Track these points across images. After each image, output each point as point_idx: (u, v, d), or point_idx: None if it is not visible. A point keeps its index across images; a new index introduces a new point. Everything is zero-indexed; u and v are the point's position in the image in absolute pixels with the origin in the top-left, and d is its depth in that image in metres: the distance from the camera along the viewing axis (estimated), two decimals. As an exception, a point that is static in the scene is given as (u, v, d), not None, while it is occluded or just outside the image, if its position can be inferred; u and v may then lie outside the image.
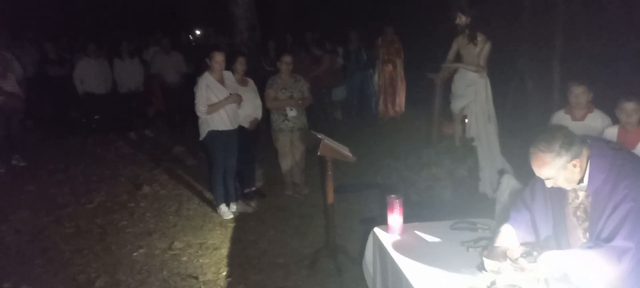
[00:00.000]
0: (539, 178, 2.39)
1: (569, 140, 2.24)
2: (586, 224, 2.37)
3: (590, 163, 2.28)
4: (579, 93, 4.28)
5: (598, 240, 2.24)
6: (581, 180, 2.31)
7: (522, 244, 2.54)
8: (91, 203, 6.14)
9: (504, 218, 2.70)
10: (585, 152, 2.28)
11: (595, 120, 4.29)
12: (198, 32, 15.48)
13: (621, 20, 7.51)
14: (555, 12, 7.87)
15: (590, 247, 2.24)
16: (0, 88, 7.03)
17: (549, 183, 2.36)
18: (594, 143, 2.33)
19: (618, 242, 2.15)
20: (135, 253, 4.85)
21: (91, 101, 9.00)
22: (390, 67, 9.45)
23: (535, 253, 2.38)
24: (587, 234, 2.36)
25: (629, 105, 3.85)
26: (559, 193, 2.44)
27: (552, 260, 2.28)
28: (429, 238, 3.04)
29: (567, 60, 7.85)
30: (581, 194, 2.37)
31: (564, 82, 7.76)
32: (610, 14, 7.61)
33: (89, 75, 8.88)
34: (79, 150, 8.47)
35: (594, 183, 2.28)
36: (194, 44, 13.73)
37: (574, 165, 2.26)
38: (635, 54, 7.19)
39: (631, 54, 7.29)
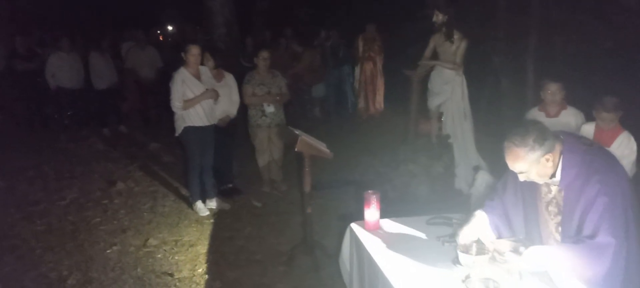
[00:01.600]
0: (512, 171, 2.42)
1: (543, 135, 2.27)
2: (559, 218, 2.41)
3: (562, 158, 2.32)
4: (554, 90, 4.35)
5: (580, 235, 2.26)
6: (554, 175, 2.34)
7: (509, 239, 2.56)
8: (63, 200, 6.02)
9: (477, 209, 2.74)
10: (558, 147, 2.32)
11: (569, 117, 4.37)
12: (170, 28, 15.32)
13: (595, 20, 7.66)
14: (530, 11, 7.98)
15: (575, 243, 2.26)
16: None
17: (521, 177, 2.39)
18: (566, 138, 2.37)
19: (601, 237, 2.18)
20: (108, 251, 4.77)
21: (63, 96, 8.82)
22: (370, 65, 9.46)
23: (522, 248, 2.40)
24: (560, 228, 2.40)
25: (607, 116, 3.91)
26: (532, 187, 2.48)
27: (536, 255, 2.30)
28: (405, 233, 3.05)
29: (541, 58, 7.97)
30: (554, 189, 2.41)
31: (537, 80, 7.89)
32: (584, 14, 7.74)
33: (61, 70, 8.70)
34: (51, 146, 8.30)
35: (566, 178, 2.32)
36: (169, 39, 13.58)
37: (547, 160, 2.29)
38: (608, 53, 7.34)
39: (604, 53, 7.44)
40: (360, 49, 9.46)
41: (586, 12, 7.69)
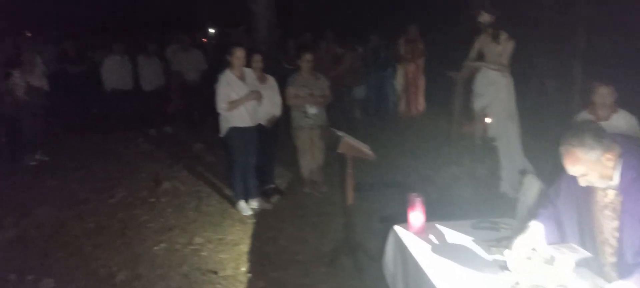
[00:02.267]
0: (565, 175, 2.35)
1: (599, 134, 2.20)
2: (615, 223, 2.32)
3: (621, 161, 2.24)
4: (605, 94, 4.21)
5: None
6: (611, 178, 2.26)
7: (562, 246, 2.48)
8: (112, 198, 6.21)
9: (530, 218, 2.67)
10: (616, 149, 2.24)
11: (620, 120, 4.23)
12: (211, 31, 15.59)
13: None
14: (576, 11, 7.76)
15: None
16: (27, 83, 7.16)
17: (583, 182, 2.30)
18: (623, 140, 2.28)
19: None
20: (155, 248, 4.90)
21: (115, 98, 9.13)
22: (412, 66, 9.39)
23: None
24: (616, 234, 2.32)
25: None
26: (587, 191, 2.40)
27: None
28: (451, 237, 3.02)
29: (588, 60, 7.73)
30: (611, 193, 2.32)
31: (584, 82, 7.66)
32: (632, 12, 7.47)
33: (115, 72, 9.03)
34: (100, 146, 8.58)
35: (624, 181, 2.24)
36: (213, 41, 13.81)
37: (608, 159, 2.20)
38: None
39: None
40: (402, 50, 9.41)
41: (634, 10, 7.41)
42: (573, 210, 2.50)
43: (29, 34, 12.46)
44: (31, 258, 4.70)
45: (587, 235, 2.46)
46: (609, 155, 2.20)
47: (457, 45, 6.60)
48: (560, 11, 8.16)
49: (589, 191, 2.39)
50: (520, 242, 2.50)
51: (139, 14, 16.64)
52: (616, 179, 2.25)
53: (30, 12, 13.96)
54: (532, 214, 2.68)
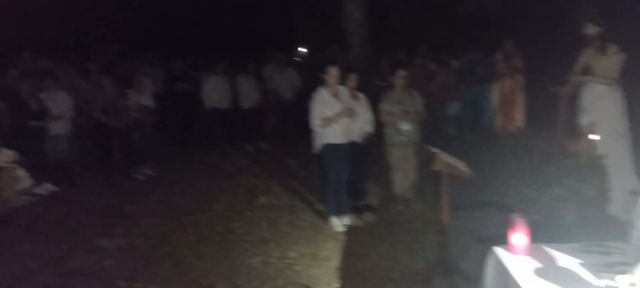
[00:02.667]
0: None
1: None
2: None
3: None
4: None
5: None
6: None
7: None
8: (212, 211, 6.50)
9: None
10: None
11: None
12: (302, 49, 15.99)
13: None
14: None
15: None
16: (138, 102, 7.75)
17: None
18: None
19: None
20: (252, 260, 5.05)
21: (216, 116, 9.61)
22: (509, 81, 9.04)
23: None
24: None
25: None
26: None
27: None
28: (557, 260, 2.85)
29: None
30: None
31: None
32: None
33: (215, 92, 9.52)
34: (201, 161, 9.03)
35: None
36: (307, 60, 14.13)
37: None
38: None
39: None
40: (499, 65, 9.08)
41: None
42: None
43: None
44: (139, 267, 5.00)
45: None
46: None
47: (560, 58, 6.25)
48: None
49: None
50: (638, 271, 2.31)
51: (239, 34, 17.44)
52: None
53: (140, 35, 15.12)
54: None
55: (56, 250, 5.36)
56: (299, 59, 14.96)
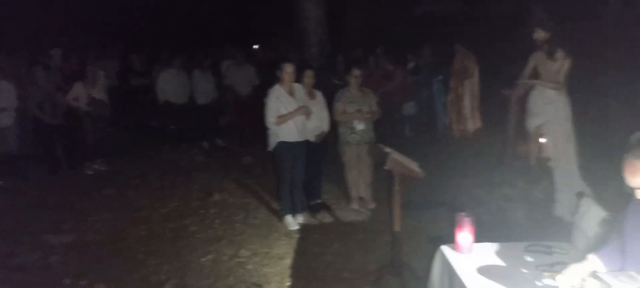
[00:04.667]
0: (634, 200, 2.26)
1: None
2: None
3: None
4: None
5: None
6: None
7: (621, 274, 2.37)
8: (165, 208, 6.38)
9: (588, 246, 2.56)
10: None
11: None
12: (255, 47, 15.95)
13: None
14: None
15: None
16: (90, 96, 7.53)
17: None
18: None
19: None
20: (203, 259, 4.98)
21: (170, 110, 9.42)
22: (463, 83, 9.20)
23: None
24: None
25: None
26: None
27: None
28: (501, 260, 2.92)
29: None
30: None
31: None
32: None
33: (170, 86, 9.33)
34: (156, 157, 8.86)
35: None
36: (263, 58, 14.05)
37: None
38: None
39: None
40: (454, 67, 9.24)
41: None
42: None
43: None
44: (87, 263, 4.89)
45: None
46: None
47: (515, 60, 6.40)
48: (629, 26, 7.81)
49: None
50: (574, 270, 2.40)
51: (198, 30, 17.18)
52: None
53: (94, 28, 14.67)
54: (591, 241, 2.56)
55: (1, 245, 5.19)
56: (255, 56, 14.87)
